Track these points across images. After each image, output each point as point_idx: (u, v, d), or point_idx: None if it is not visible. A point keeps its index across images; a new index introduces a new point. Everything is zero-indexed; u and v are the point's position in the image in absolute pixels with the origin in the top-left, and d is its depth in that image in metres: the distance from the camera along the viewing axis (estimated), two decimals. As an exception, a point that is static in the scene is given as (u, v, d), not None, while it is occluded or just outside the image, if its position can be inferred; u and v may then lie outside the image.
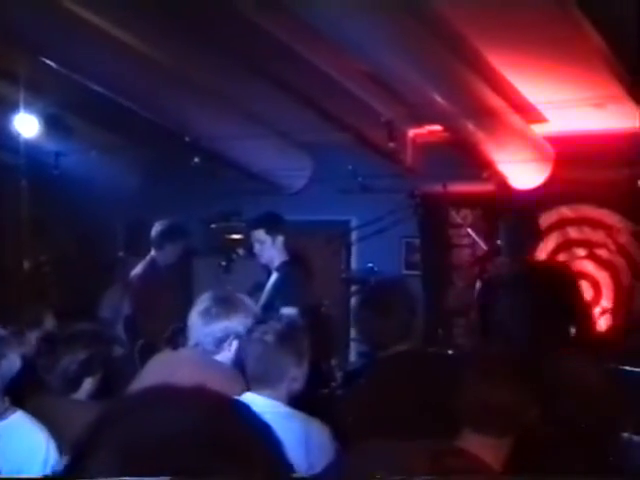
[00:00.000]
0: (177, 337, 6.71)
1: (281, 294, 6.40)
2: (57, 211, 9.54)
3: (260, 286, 6.88)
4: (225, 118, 8.75)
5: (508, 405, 2.94)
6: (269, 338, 3.94)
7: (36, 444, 3.68)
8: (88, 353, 4.17)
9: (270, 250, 6.64)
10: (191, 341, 4.41)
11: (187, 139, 8.64)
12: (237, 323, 4.31)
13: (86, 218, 9.84)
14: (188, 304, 6.16)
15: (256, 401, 3.81)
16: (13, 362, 3.81)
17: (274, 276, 6.68)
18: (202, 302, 4.40)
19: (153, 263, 7.63)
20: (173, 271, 7.77)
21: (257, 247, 6.66)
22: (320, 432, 3.86)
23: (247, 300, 4.58)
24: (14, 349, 3.85)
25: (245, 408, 1.53)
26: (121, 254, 8.56)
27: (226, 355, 4.34)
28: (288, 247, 6.73)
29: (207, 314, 4.32)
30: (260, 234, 6.61)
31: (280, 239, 6.66)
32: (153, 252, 7.62)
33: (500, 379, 2.98)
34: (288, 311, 6.06)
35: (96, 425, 1.44)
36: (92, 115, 9.17)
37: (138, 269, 7.68)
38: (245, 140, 8.56)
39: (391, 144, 8.42)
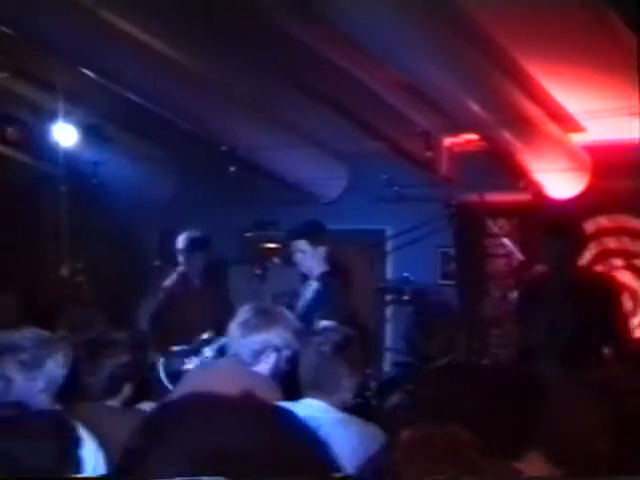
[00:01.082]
0: (204, 347, 6.82)
1: (322, 306, 6.36)
2: (95, 219, 9.59)
3: (295, 294, 6.90)
4: (261, 128, 8.78)
5: (591, 441, 2.72)
6: (326, 349, 4.00)
7: (86, 454, 3.64)
8: (130, 358, 4.22)
9: (311, 260, 6.62)
10: (229, 352, 4.46)
11: (223, 148, 8.66)
12: (276, 336, 4.34)
13: (123, 226, 9.92)
14: (222, 314, 6.22)
15: (315, 406, 3.88)
16: (60, 363, 3.87)
17: (313, 286, 6.67)
18: (243, 313, 4.43)
19: (182, 273, 7.72)
20: (203, 281, 7.80)
21: (299, 257, 6.61)
22: (377, 437, 3.85)
23: (287, 313, 4.60)
24: (61, 350, 3.91)
25: (291, 414, 1.60)
26: (157, 263, 8.57)
27: (263, 367, 4.36)
28: (328, 257, 6.71)
29: (246, 326, 4.35)
30: (302, 244, 6.58)
31: (322, 249, 6.63)
32: (181, 262, 7.69)
33: (589, 413, 2.76)
34: (326, 324, 6.04)
35: (147, 429, 1.50)
36: (130, 125, 9.25)
37: (168, 280, 7.78)
38: (281, 150, 8.59)
39: (428, 153, 8.38)
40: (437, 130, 8.56)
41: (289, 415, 1.58)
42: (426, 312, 5.32)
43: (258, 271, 7.76)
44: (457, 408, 2.78)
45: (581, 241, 6.38)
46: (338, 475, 1.57)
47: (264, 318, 4.38)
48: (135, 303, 8.10)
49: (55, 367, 3.84)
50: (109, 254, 9.69)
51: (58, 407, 3.77)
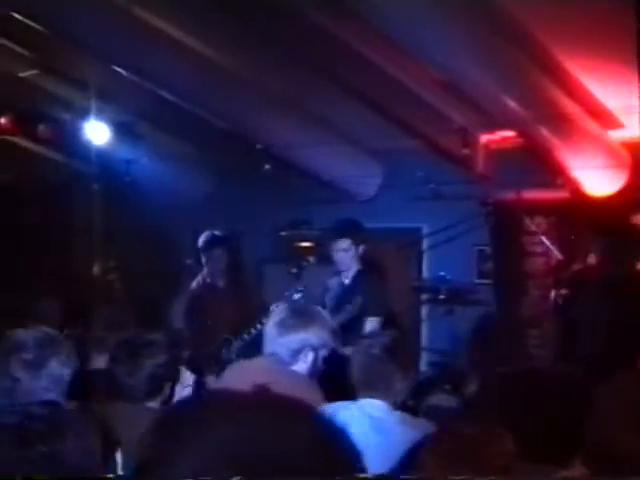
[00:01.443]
0: (222, 349, 6.92)
1: (365, 303, 6.40)
2: (127, 217, 9.56)
3: (325, 290, 6.99)
4: (296, 125, 8.72)
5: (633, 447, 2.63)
6: (375, 351, 4.08)
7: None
8: (168, 357, 4.19)
9: (352, 258, 6.76)
10: (266, 351, 4.47)
11: (258, 147, 8.64)
12: (313, 335, 4.37)
13: (155, 225, 9.90)
14: (244, 315, 6.81)
15: (376, 405, 3.96)
16: (64, 362, 3.90)
17: (348, 283, 6.79)
18: (279, 313, 4.48)
19: (205, 273, 7.76)
20: (227, 281, 7.77)
21: (341, 255, 6.71)
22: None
23: (324, 312, 4.66)
24: (65, 349, 3.96)
25: (312, 410, 1.58)
26: (189, 262, 8.54)
27: (301, 367, 4.38)
28: (364, 255, 6.82)
29: (283, 325, 4.38)
30: (345, 243, 6.69)
31: (362, 247, 6.78)
32: (202, 262, 7.71)
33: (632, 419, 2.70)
34: (373, 321, 6.31)
35: (163, 427, 1.49)
36: (163, 122, 9.26)
37: (194, 281, 7.84)
38: (316, 147, 8.53)
39: (464, 150, 8.32)
40: (474, 127, 8.48)
41: (309, 411, 1.55)
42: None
43: (293, 270, 7.43)
44: (512, 414, 2.80)
45: (628, 240, 6.35)
46: (362, 475, 1.55)
47: (301, 318, 4.40)
48: (169, 302, 8.20)
49: (59, 366, 3.87)
50: (142, 253, 9.65)
51: (72, 405, 3.76)
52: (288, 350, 4.36)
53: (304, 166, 9.13)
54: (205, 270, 7.75)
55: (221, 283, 7.78)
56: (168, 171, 9.64)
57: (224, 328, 7.19)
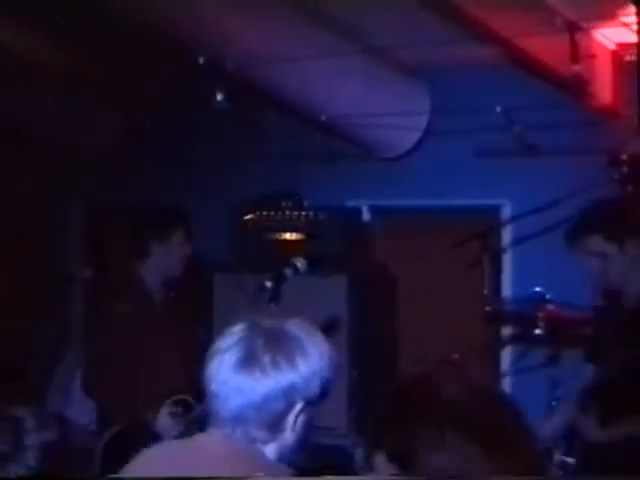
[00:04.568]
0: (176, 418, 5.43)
1: None
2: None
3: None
4: (276, 21, 6.25)
5: None
6: None
7: None
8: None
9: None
10: (219, 415, 2.97)
11: (201, 60, 6.21)
12: (306, 374, 2.97)
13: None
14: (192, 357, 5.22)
15: None
16: None
17: None
18: (232, 345, 2.92)
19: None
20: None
21: (597, 264, 5.40)
22: None
23: (312, 331, 3.06)
24: None
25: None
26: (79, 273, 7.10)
27: (287, 438, 2.97)
28: None
29: (249, 364, 2.94)
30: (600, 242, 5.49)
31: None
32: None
33: None
34: None
35: None
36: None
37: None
38: (307, 61, 6.30)
39: (575, 66, 5.92)
40: (591, 21, 6.15)
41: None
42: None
43: (268, 284, 5.34)
44: None
45: None
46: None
47: (278, 344, 2.96)
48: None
49: None
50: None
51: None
52: (263, 416, 2.96)
53: (284, 96, 6.80)
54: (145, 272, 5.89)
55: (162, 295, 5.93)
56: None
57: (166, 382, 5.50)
